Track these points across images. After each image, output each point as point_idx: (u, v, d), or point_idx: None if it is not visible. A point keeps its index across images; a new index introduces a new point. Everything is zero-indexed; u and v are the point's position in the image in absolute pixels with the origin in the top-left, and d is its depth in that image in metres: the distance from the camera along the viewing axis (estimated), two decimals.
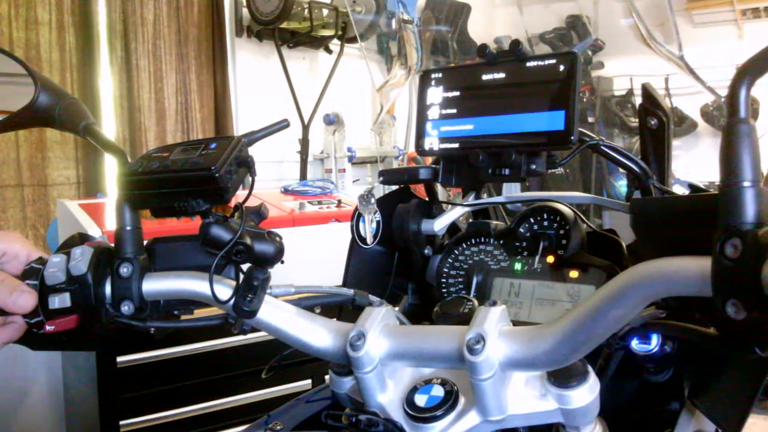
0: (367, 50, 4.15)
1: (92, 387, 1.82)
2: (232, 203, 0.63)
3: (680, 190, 0.81)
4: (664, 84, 3.98)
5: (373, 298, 0.74)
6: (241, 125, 3.95)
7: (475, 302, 0.72)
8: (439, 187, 0.91)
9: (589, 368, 0.55)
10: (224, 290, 0.62)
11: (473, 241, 0.89)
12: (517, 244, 0.85)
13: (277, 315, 0.64)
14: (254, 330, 0.66)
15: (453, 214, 0.89)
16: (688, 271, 0.43)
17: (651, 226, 0.61)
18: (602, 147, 0.78)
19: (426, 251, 0.90)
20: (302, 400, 0.79)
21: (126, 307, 0.64)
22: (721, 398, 0.61)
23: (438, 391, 0.57)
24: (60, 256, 0.64)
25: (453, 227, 0.94)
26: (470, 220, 0.95)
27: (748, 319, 0.39)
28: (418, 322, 0.75)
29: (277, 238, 0.63)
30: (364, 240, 0.87)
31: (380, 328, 0.60)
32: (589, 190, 4.10)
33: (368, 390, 0.59)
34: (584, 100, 4.32)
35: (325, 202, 2.43)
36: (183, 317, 0.70)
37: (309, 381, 2.01)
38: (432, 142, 0.83)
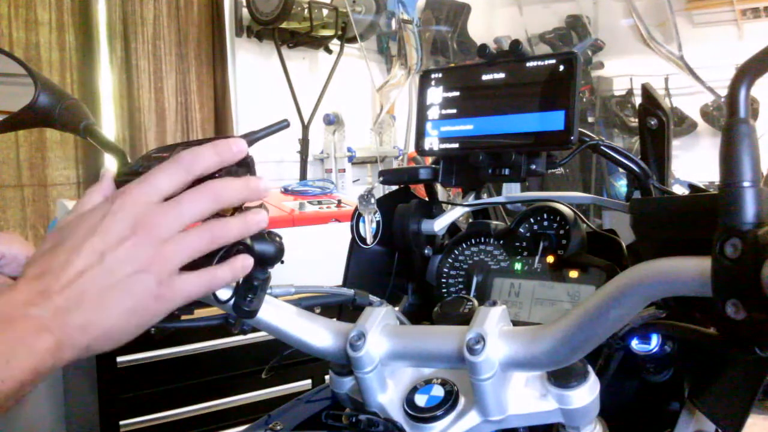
0: (367, 50, 4.15)
1: (92, 387, 1.82)
2: None
3: (680, 190, 0.81)
4: (664, 84, 3.98)
5: (373, 298, 0.74)
6: (241, 125, 3.95)
7: (475, 302, 0.72)
8: (439, 187, 0.91)
9: (589, 368, 0.55)
10: (224, 290, 0.62)
11: (473, 241, 0.89)
12: (517, 244, 0.85)
13: (277, 315, 0.64)
14: (254, 330, 0.66)
15: (453, 214, 0.89)
16: (688, 271, 0.43)
17: (651, 226, 0.61)
18: (602, 147, 0.78)
19: (426, 251, 0.90)
20: (302, 400, 0.79)
21: None
22: (721, 398, 0.61)
23: (438, 391, 0.57)
24: None
25: (453, 227, 0.94)
26: (470, 220, 0.95)
27: (748, 319, 0.39)
28: (418, 322, 0.75)
29: (277, 238, 0.63)
30: (364, 240, 0.87)
31: (380, 328, 0.60)
32: (589, 190, 4.09)
33: (368, 390, 0.59)
34: (584, 100, 4.32)
35: (325, 202, 2.42)
36: (183, 317, 0.70)
37: (309, 381, 2.00)
38: (432, 142, 0.83)
